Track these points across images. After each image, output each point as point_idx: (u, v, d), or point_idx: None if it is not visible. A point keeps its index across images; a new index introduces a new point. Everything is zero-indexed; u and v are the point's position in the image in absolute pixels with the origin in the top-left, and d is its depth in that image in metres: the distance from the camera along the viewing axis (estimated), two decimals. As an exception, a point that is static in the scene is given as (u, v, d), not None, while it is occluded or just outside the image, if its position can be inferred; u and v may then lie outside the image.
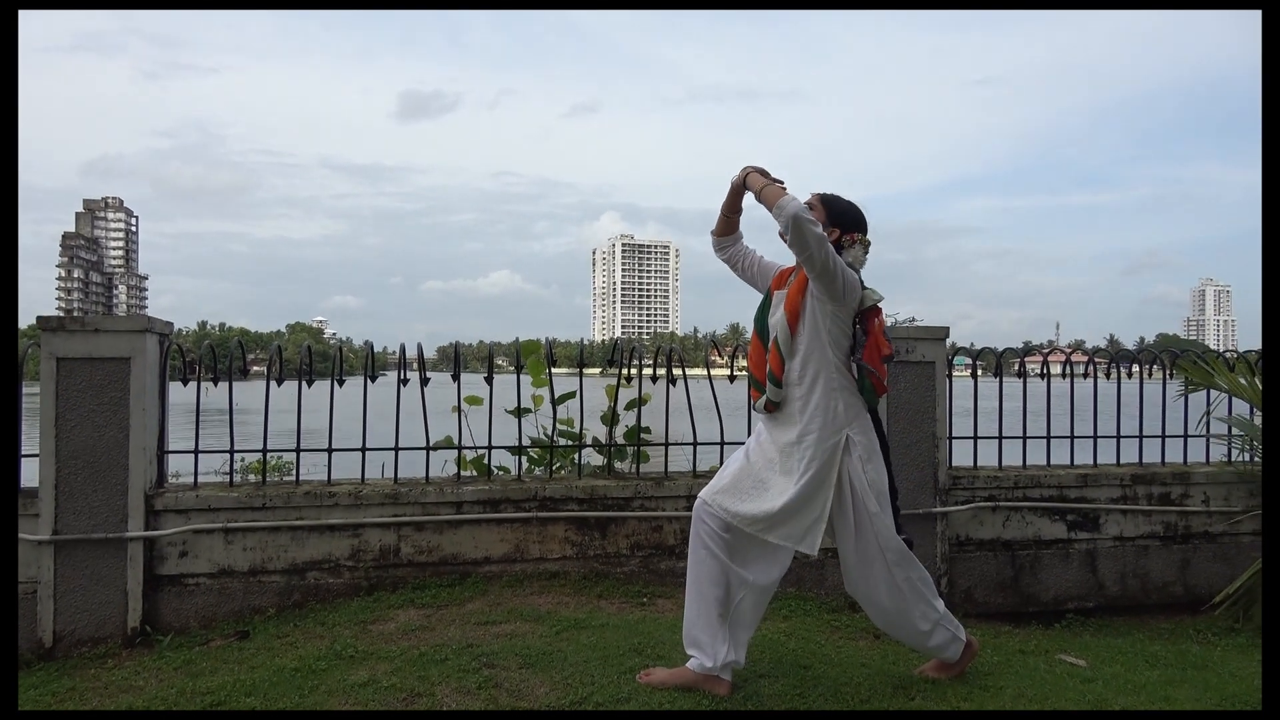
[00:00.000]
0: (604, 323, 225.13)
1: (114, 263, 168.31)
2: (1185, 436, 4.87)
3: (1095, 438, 4.73)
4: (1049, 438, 4.69)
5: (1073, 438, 4.70)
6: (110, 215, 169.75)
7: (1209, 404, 4.83)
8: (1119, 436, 4.80)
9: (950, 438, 4.43)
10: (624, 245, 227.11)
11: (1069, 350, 5.00)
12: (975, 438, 4.57)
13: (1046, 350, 5.02)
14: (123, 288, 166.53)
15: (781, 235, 2.61)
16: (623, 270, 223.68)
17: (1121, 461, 4.81)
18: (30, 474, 3.71)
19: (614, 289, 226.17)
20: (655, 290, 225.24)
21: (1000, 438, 4.62)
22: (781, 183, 2.70)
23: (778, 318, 2.79)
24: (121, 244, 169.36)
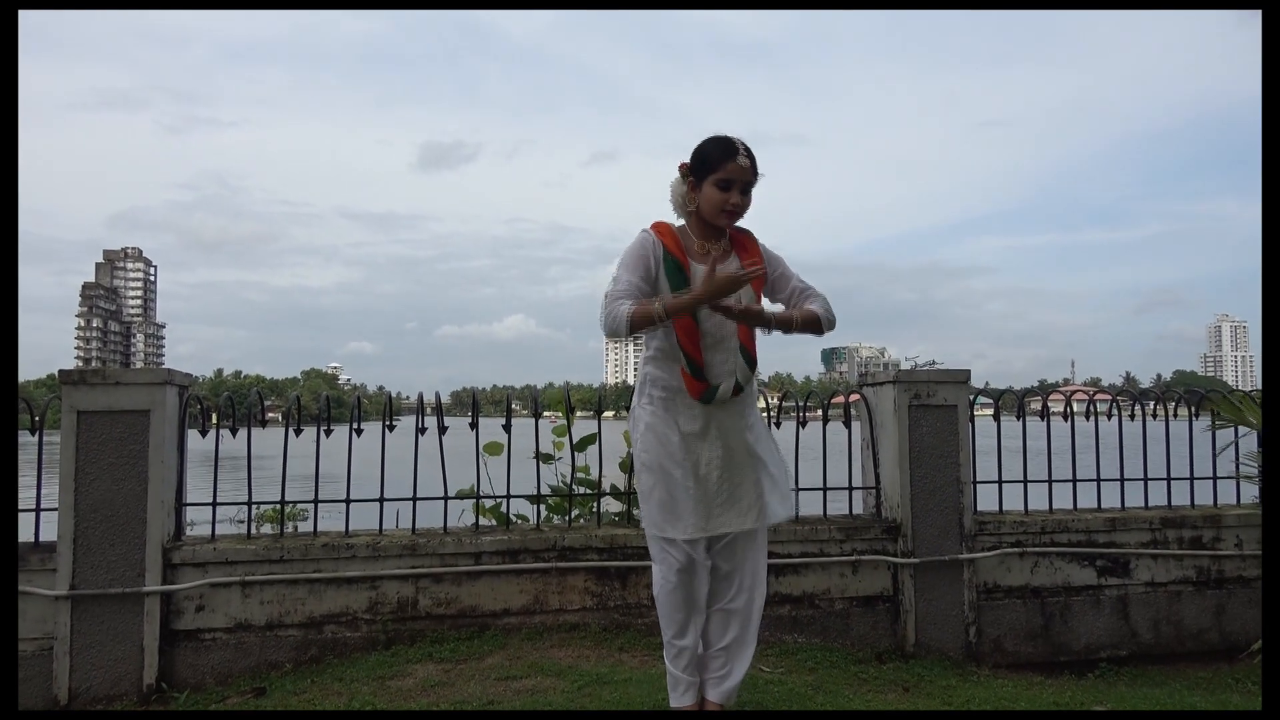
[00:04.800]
0: (616, 365, 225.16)
1: (132, 312, 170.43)
2: (1214, 478, 4.78)
3: (1122, 480, 4.65)
4: (1075, 481, 4.60)
5: (1099, 480, 4.62)
6: (129, 265, 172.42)
7: (1237, 443, 4.74)
8: (1146, 479, 4.71)
9: (974, 482, 4.36)
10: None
11: (1091, 390, 4.93)
12: (1000, 481, 4.49)
13: (1069, 391, 4.95)
14: (140, 336, 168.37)
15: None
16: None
17: (1150, 504, 4.71)
18: (49, 528, 3.70)
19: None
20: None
21: (1025, 481, 4.54)
22: (771, 314, 2.61)
23: (745, 296, 2.61)
24: (140, 293, 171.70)
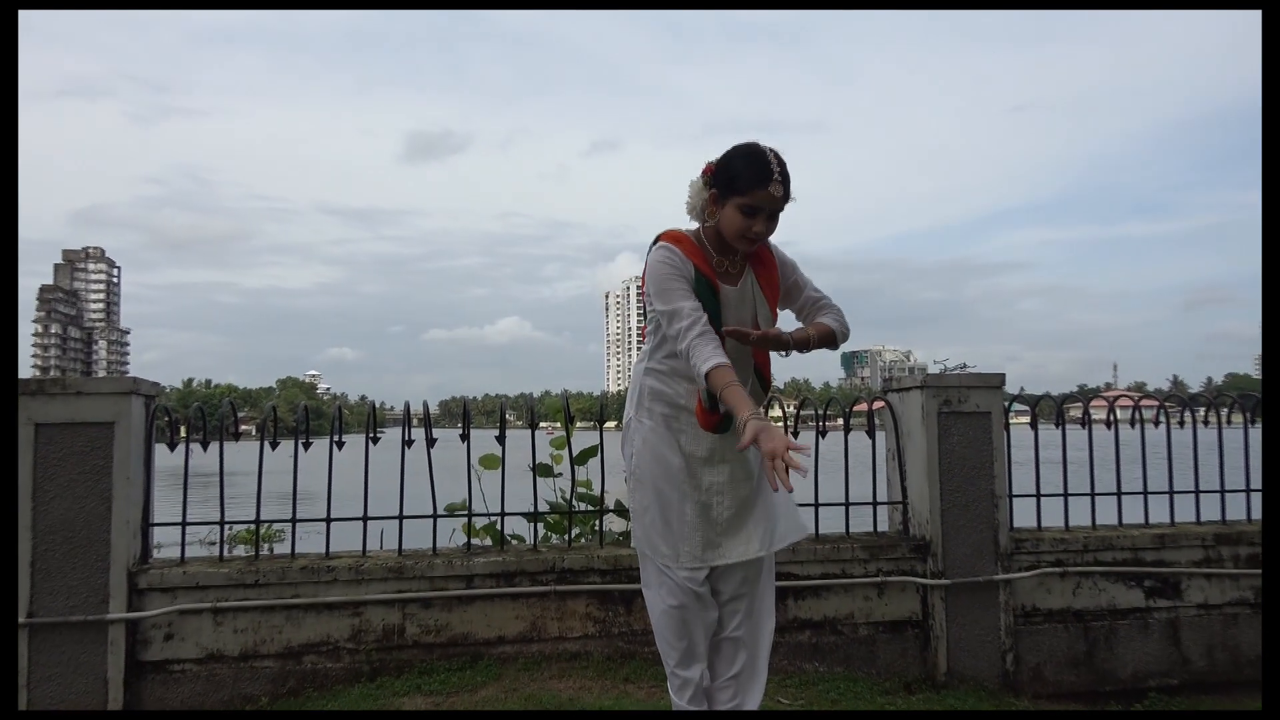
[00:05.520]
0: (619, 371, 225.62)
1: (94, 317, 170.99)
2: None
3: (1171, 493, 4.62)
4: (1120, 494, 4.58)
5: (1146, 493, 4.59)
6: (91, 266, 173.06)
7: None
8: (1198, 491, 4.69)
9: (1010, 496, 4.34)
10: (638, 288, 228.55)
11: (1136, 395, 4.91)
12: (1038, 495, 4.47)
13: (1112, 396, 4.92)
14: (103, 343, 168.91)
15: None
16: (638, 314, 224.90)
17: (1202, 519, 4.69)
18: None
19: (629, 335, 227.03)
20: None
21: (1065, 495, 4.51)
22: (789, 335, 2.62)
23: (762, 314, 2.64)
24: (102, 297, 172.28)
